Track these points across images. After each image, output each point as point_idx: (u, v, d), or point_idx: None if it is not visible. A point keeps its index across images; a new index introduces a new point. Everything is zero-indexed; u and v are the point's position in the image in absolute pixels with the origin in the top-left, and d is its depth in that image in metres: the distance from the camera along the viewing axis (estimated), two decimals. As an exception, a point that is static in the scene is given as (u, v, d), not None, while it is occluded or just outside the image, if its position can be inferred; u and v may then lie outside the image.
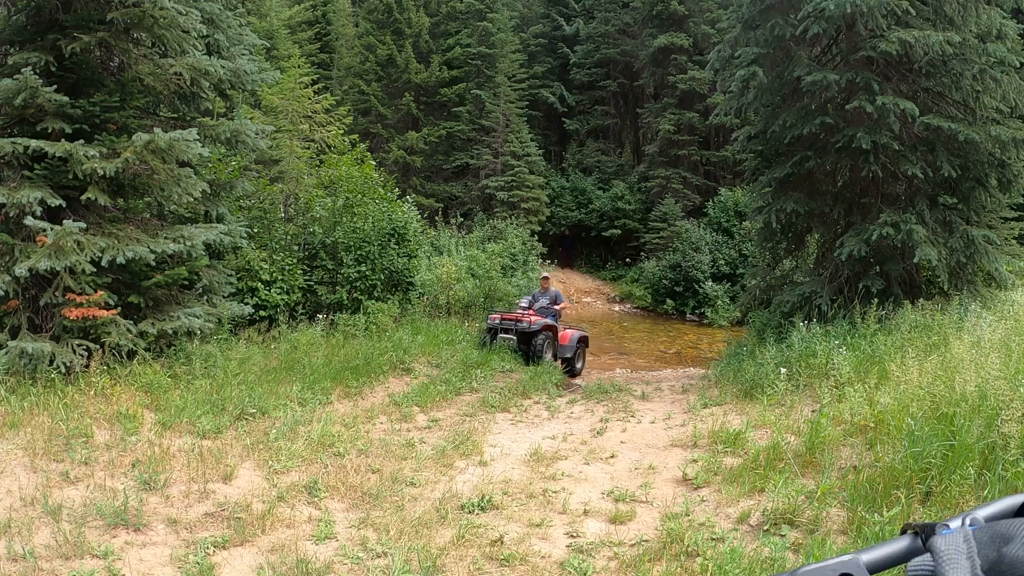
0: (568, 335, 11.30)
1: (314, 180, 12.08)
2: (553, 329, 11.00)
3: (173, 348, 6.99)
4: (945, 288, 8.65)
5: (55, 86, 6.02)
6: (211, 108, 8.30)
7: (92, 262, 6.04)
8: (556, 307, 11.42)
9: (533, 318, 10.79)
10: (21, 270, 5.72)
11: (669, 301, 20.89)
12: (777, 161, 9.66)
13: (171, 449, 5.08)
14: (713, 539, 3.85)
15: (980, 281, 9.06)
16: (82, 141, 6.14)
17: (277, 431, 5.71)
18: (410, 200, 13.24)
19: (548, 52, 30.10)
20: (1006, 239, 10.17)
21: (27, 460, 4.65)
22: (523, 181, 23.34)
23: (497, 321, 11.01)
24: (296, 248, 10.81)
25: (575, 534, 4.12)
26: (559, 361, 10.90)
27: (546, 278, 12.14)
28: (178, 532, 3.97)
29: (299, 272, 10.32)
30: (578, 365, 11.41)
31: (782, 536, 3.77)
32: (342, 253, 10.83)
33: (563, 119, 29.27)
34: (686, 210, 23.55)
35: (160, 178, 6.50)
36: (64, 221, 5.95)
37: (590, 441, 6.25)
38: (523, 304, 11.36)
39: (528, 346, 10.63)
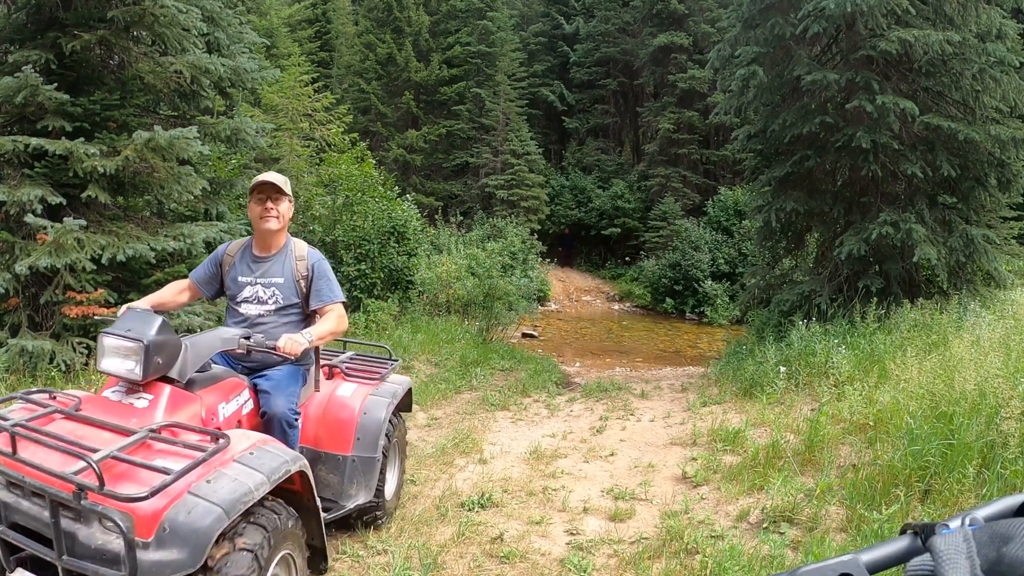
0: (351, 412, 3.62)
1: (314, 178, 12.09)
2: (299, 484, 2.76)
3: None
4: (944, 287, 8.66)
5: (55, 84, 6.01)
6: (211, 106, 8.30)
7: (92, 260, 6.04)
8: (321, 333, 3.17)
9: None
10: (21, 268, 5.72)
11: (669, 300, 20.89)
12: (777, 160, 9.66)
13: (171, 447, 5.06)
14: (712, 537, 3.86)
15: (979, 280, 9.06)
16: (82, 139, 6.14)
17: (277, 429, 5.71)
18: (410, 198, 13.23)
19: (548, 51, 30.09)
20: (1005, 239, 10.18)
21: (28, 458, 4.62)
22: (523, 180, 23.34)
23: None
24: (296, 246, 10.80)
25: (575, 532, 4.13)
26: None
27: (267, 210, 3.26)
28: (179, 530, 3.97)
29: (299, 270, 10.31)
30: (389, 501, 4.00)
31: (781, 534, 3.78)
32: (342, 251, 10.82)
33: (563, 118, 29.26)
34: (686, 209, 23.55)
35: (160, 176, 6.51)
36: (64, 219, 5.95)
37: (590, 439, 6.26)
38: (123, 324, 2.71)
39: None
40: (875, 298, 8.03)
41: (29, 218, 5.82)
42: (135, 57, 6.83)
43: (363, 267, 10.80)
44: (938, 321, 7.10)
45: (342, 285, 10.29)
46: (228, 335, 3.01)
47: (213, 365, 3.10)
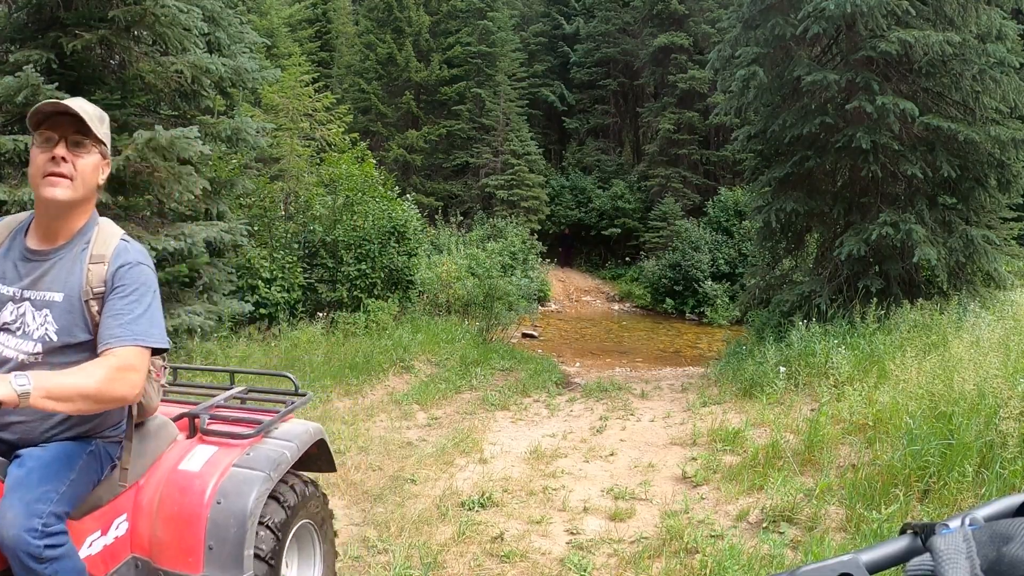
0: (196, 501, 2.06)
1: (314, 178, 12.11)
2: None
3: (174, 345, 7.01)
4: (944, 288, 8.67)
5: (56, 84, 6.02)
6: (212, 106, 8.30)
7: (93, 260, 6.04)
8: (57, 389, 1.54)
9: None
10: (22, 268, 5.73)
11: (668, 300, 20.89)
12: (777, 161, 9.67)
13: (172, 447, 5.06)
14: (712, 536, 3.87)
15: (979, 281, 9.07)
16: (83, 139, 6.14)
17: (278, 429, 5.71)
18: (410, 198, 13.25)
19: (548, 51, 30.11)
20: (1005, 239, 10.18)
21: (28, 457, 4.62)
22: (523, 180, 23.34)
23: None
24: (296, 246, 10.82)
25: (575, 531, 4.13)
26: None
27: (55, 161, 1.78)
28: (179, 529, 3.97)
29: (299, 270, 10.33)
30: None
31: (781, 533, 3.79)
32: (342, 251, 10.83)
33: (563, 118, 29.28)
34: (686, 209, 23.55)
35: (161, 176, 6.51)
36: (65, 219, 5.96)
37: (590, 439, 6.26)
38: None
39: None
40: (875, 298, 8.03)
41: (30, 218, 5.82)
42: (136, 57, 6.84)
43: (363, 267, 10.81)
44: (938, 321, 7.11)
45: (342, 285, 10.47)
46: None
47: None
